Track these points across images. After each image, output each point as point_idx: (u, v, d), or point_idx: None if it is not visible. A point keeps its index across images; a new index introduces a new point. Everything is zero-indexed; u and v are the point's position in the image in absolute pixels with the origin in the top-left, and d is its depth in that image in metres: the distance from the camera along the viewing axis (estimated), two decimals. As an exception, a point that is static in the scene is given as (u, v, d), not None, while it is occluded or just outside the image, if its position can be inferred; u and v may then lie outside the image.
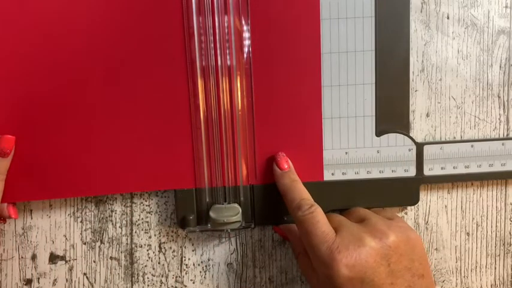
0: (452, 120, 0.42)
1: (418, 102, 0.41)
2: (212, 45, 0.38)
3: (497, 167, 0.41)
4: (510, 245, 0.44)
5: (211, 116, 0.39)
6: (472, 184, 0.43)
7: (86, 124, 0.39)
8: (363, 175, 0.40)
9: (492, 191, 0.43)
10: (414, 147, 0.40)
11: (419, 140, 0.41)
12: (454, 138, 0.42)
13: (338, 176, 0.40)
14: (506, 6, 0.41)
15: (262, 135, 0.40)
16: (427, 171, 0.41)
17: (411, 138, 0.40)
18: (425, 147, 0.41)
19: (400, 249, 0.34)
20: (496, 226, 0.43)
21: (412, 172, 0.41)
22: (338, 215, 0.39)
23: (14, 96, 0.38)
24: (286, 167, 0.39)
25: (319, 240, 0.34)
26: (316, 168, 0.40)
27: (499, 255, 0.44)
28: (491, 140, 0.41)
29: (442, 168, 0.41)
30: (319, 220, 0.35)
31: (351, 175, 0.40)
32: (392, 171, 0.41)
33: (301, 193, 0.38)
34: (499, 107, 0.42)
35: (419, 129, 0.41)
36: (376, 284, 0.33)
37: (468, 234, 0.43)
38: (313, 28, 0.39)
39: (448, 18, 0.41)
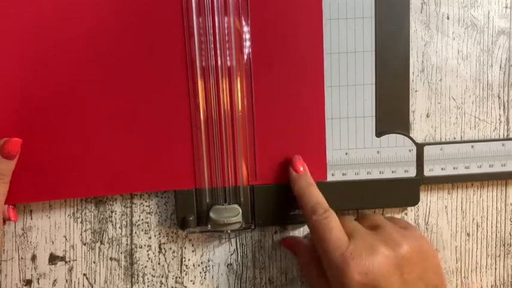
0: (453, 120, 0.42)
1: (418, 102, 0.41)
2: (212, 45, 0.38)
3: (497, 168, 0.41)
4: (510, 246, 0.44)
5: (211, 116, 0.39)
6: (472, 185, 0.43)
7: (86, 125, 0.39)
8: (363, 176, 0.40)
9: (492, 191, 0.43)
10: (414, 148, 0.40)
11: (419, 140, 0.41)
12: (454, 138, 0.42)
13: (338, 177, 0.40)
14: (506, 7, 0.41)
15: (262, 135, 0.40)
16: (427, 172, 0.41)
17: (411, 138, 0.40)
18: (426, 148, 0.41)
19: (413, 259, 0.34)
20: (497, 227, 0.43)
21: (412, 173, 0.41)
22: (352, 220, 0.38)
23: (13, 97, 0.38)
24: (301, 169, 0.39)
25: (333, 246, 0.34)
26: (319, 169, 0.40)
27: (499, 255, 0.43)
28: (492, 141, 0.41)
29: (442, 169, 0.41)
30: (334, 226, 0.35)
31: (351, 176, 0.40)
32: (393, 171, 0.41)
33: (317, 197, 0.37)
34: (499, 108, 0.42)
35: (420, 129, 0.41)
36: None
37: (468, 234, 0.43)
38: (316, 28, 0.39)
39: (448, 18, 0.41)
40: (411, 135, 0.41)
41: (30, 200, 0.40)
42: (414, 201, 0.41)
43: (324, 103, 0.40)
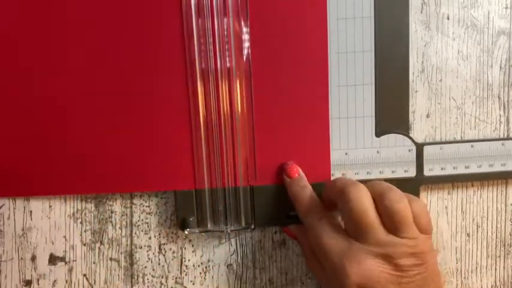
0: (453, 121, 0.42)
1: (418, 103, 0.41)
2: (211, 47, 0.38)
3: (497, 167, 0.41)
4: (510, 246, 0.43)
5: (210, 117, 0.39)
6: (472, 185, 0.43)
7: (86, 124, 0.39)
8: (362, 176, 0.40)
9: (492, 192, 0.43)
10: (414, 148, 0.40)
11: (419, 141, 0.41)
12: (454, 139, 0.42)
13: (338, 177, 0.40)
14: (506, 7, 0.41)
15: (262, 136, 0.40)
16: (427, 172, 0.41)
17: (411, 138, 0.40)
18: (425, 148, 0.40)
19: (413, 271, 0.34)
20: (497, 227, 0.43)
21: (412, 173, 0.41)
22: (372, 213, 0.34)
23: (16, 94, 0.38)
24: (296, 175, 0.39)
25: (331, 251, 0.34)
26: (323, 169, 0.40)
27: (500, 256, 0.43)
28: (491, 140, 0.41)
29: (442, 169, 0.41)
30: (328, 228, 0.35)
31: (350, 176, 0.40)
32: (392, 171, 0.41)
33: (310, 200, 0.37)
34: (499, 108, 0.42)
35: (420, 130, 0.41)
36: None
37: (468, 235, 0.43)
38: (320, 28, 0.38)
39: (448, 18, 0.41)
40: (411, 135, 0.41)
41: (29, 194, 0.40)
42: (414, 201, 0.41)
43: (328, 102, 0.39)
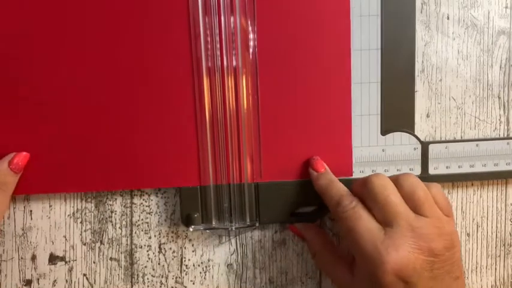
0: (453, 120, 0.42)
1: (418, 102, 0.41)
2: (218, 45, 0.38)
3: (502, 167, 0.41)
4: (510, 246, 0.44)
5: (216, 114, 0.39)
6: (472, 184, 0.43)
7: (91, 121, 0.39)
8: (368, 174, 0.40)
9: (492, 191, 0.43)
10: (419, 146, 0.41)
11: (419, 140, 0.41)
12: (454, 138, 0.42)
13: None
14: (506, 7, 0.41)
15: (267, 133, 0.40)
16: (432, 170, 0.41)
17: (416, 137, 0.40)
18: (431, 146, 0.41)
19: (444, 256, 0.34)
20: (497, 227, 0.43)
21: (417, 171, 0.41)
22: (397, 201, 0.35)
23: (17, 93, 0.38)
24: (322, 170, 0.39)
25: (365, 238, 0.34)
26: (344, 165, 0.40)
27: (500, 256, 0.43)
28: (496, 140, 0.41)
29: (447, 167, 0.41)
30: (362, 215, 0.35)
31: (356, 174, 0.40)
32: (398, 170, 0.41)
33: (340, 190, 0.37)
34: (499, 108, 0.42)
35: (420, 129, 0.41)
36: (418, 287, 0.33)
37: (468, 235, 0.43)
38: (343, 24, 0.39)
39: (448, 18, 0.41)
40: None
41: (30, 192, 0.40)
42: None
43: (350, 100, 0.40)
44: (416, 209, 0.34)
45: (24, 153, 0.39)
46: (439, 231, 0.34)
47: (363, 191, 0.36)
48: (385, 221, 0.34)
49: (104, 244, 0.42)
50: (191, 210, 0.40)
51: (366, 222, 0.34)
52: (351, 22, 0.39)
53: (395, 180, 0.36)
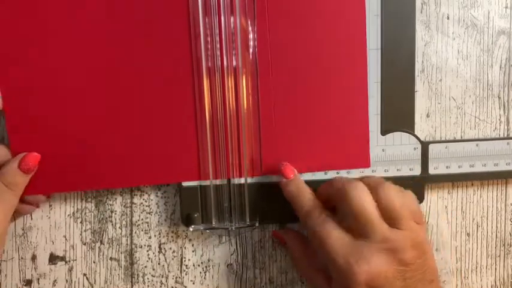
0: (453, 120, 0.42)
1: (418, 102, 0.41)
2: (218, 45, 0.38)
3: (502, 166, 0.41)
4: (510, 246, 0.44)
5: (216, 114, 0.39)
6: (472, 184, 0.43)
7: (92, 121, 0.39)
8: (367, 174, 0.40)
9: (492, 191, 0.43)
10: (419, 146, 0.41)
11: (419, 140, 0.41)
12: (455, 138, 0.42)
13: (343, 175, 0.40)
14: (506, 7, 0.41)
15: (267, 133, 0.40)
16: (432, 170, 0.41)
17: (416, 137, 0.40)
18: (431, 146, 0.41)
19: (415, 264, 0.34)
20: (497, 227, 0.43)
21: (417, 171, 0.41)
22: (371, 210, 0.35)
23: (16, 93, 0.38)
24: (291, 176, 0.39)
25: (336, 252, 0.34)
26: (363, 158, 0.40)
27: (500, 256, 0.43)
28: (496, 139, 0.41)
29: (447, 167, 0.41)
30: (332, 231, 0.35)
31: (356, 173, 0.40)
32: (398, 170, 0.41)
33: (309, 200, 0.37)
34: (499, 108, 0.42)
35: (420, 129, 0.41)
36: None
37: (468, 234, 0.43)
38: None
39: (448, 18, 0.41)
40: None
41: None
42: (419, 199, 0.41)
43: (367, 99, 0.39)
44: (391, 222, 0.34)
45: (35, 153, 0.37)
46: (412, 243, 0.34)
47: (336, 198, 0.36)
48: (360, 232, 0.34)
49: (104, 244, 0.42)
50: (191, 210, 0.40)
51: (336, 237, 0.34)
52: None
53: (373, 188, 0.35)
